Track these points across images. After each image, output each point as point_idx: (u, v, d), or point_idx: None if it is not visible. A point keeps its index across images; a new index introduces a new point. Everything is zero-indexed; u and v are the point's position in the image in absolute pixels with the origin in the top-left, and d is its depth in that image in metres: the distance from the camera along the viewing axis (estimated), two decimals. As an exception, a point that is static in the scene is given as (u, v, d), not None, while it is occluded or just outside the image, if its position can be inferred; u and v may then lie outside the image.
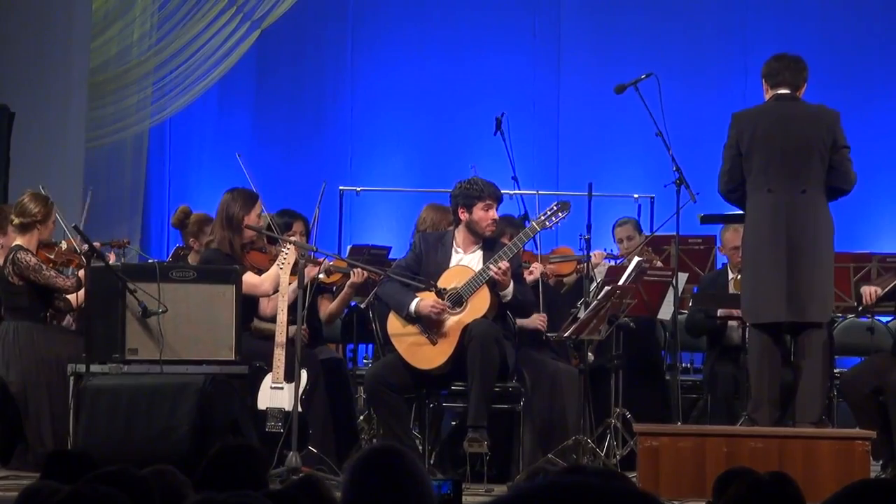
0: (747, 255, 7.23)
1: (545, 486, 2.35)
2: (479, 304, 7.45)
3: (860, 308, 8.05)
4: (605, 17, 11.88)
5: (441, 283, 7.44)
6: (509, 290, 7.47)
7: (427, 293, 7.44)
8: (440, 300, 7.38)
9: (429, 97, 11.86)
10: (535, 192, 8.94)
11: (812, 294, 7.02)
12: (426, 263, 7.57)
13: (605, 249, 8.83)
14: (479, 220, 7.51)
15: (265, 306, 7.80)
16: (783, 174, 7.05)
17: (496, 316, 7.53)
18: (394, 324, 7.54)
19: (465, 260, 7.58)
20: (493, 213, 7.53)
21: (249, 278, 7.62)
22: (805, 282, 7.01)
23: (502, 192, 7.76)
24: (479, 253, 7.59)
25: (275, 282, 7.48)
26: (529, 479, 4.47)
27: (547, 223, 7.59)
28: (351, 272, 7.95)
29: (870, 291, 7.80)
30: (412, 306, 7.41)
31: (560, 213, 7.57)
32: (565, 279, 8.50)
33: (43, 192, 8.00)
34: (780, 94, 7.15)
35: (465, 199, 7.52)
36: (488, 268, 7.41)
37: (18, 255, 7.72)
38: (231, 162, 11.77)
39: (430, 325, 7.43)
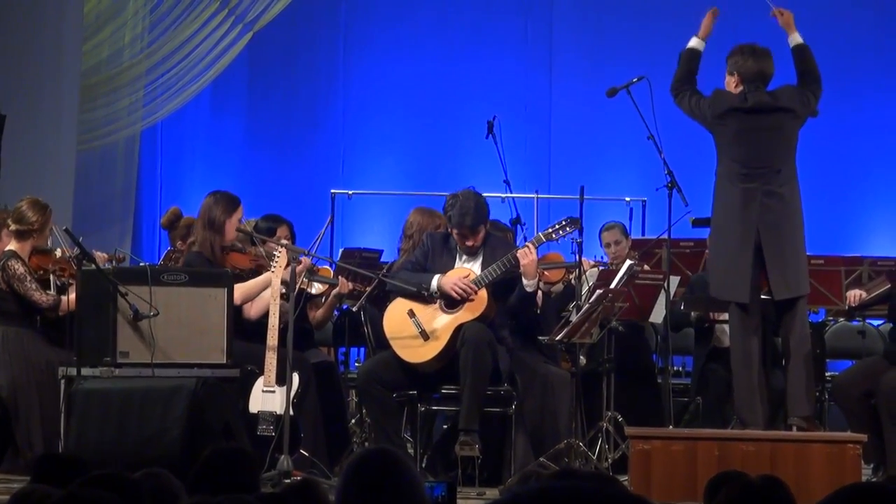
0: (717, 235, 7.31)
1: (539, 490, 2.35)
2: (476, 304, 7.49)
3: (846, 309, 8.11)
4: (598, 19, 11.89)
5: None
6: (533, 283, 7.54)
7: (453, 272, 7.50)
8: (462, 282, 7.42)
9: (421, 100, 11.86)
10: (533, 195, 8.95)
11: (788, 270, 7.11)
12: (432, 263, 7.64)
13: (594, 258, 8.82)
14: (458, 240, 7.60)
15: (248, 309, 7.80)
16: (757, 156, 7.16)
17: (492, 320, 7.55)
18: (390, 315, 7.58)
19: (469, 263, 7.63)
20: (469, 241, 7.57)
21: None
22: (782, 259, 7.11)
23: (495, 194, 7.79)
24: (481, 257, 7.62)
25: (246, 296, 7.57)
26: (521, 483, 4.48)
27: (553, 236, 7.67)
28: (338, 282, 8.02)
29: (855, 295, 7.86)
30: (434, 283, 7.47)
31: (568, 229, 7.65)
32: (553, 289, 8.49)
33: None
34: (751, 87, 7.25)
35: (447, 220, 7.62)
36: (505, 263, 7.45)
37: (9, 263, 7.71)
38: (222, 164, 11.80)
39: (425, 321, 7.47)
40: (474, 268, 7.60)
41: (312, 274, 7.93)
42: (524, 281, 7.53)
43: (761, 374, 7.13)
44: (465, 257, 7.65)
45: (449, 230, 7.69)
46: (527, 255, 7.48)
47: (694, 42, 7.50)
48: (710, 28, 7.53)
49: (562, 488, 2.31)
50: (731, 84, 7.33)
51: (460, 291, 7.46)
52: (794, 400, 7.08)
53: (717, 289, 7.34)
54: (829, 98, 7.44)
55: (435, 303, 7.54)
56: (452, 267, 7.63)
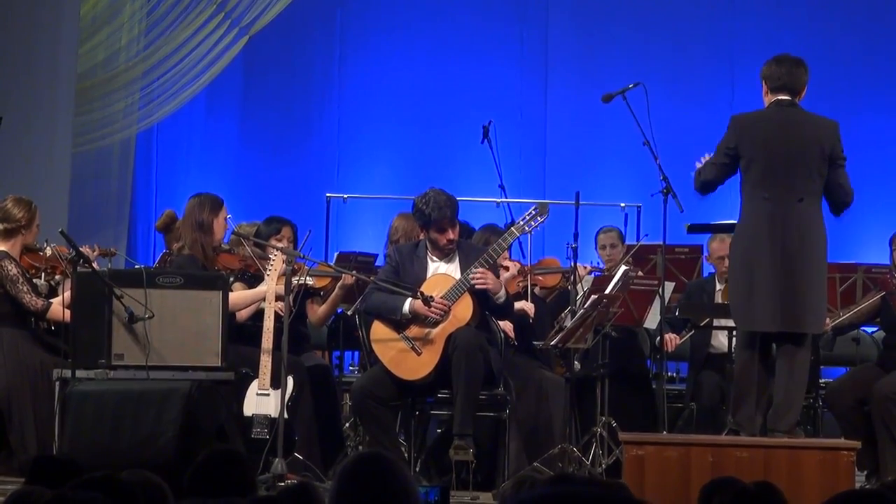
0: (740, 261, 7.00)
1: (543, 497, 2.34)
2: (463, 312, 7.45)
3: (821, 336, 8.20)
4: (593, 25, 11.90)
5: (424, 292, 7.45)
6: (502, 293, 7.48)
7: (432, 282, 7.45)
8: (436, 305, 7.37)
9: (416, 105, 11.87)
10: (525, 200, 8.94)
11: (807, 305, 6.88)
12: (404, 275, 7.56)
13: (590, 263, 8.82)
14: (435, 240, 7.54)
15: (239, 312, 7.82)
16: (781, 182, 6.89)
17: (479, 323, 7.53)
18: (378, 333, 7.53)
19: (443, 268, 7.58)
20: (450, 234, 7.49)
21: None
22: (800, 292, 6.86)
23: (490, 199, 7.76)
24: (456, 260, 7.58)
25: (235, 306, 7.60)
26: (516, 488, 4.47)
27: (526, 228, 7.57)
28: (340, 274, 8.00)
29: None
30: (406, 307, 7.41)
31: (539, 218, 7.54)
32: (549, 299, 8.48)
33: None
34: (781, 100, 6.97)
35: (421, 221, 7.57)
36: (469, 276, 7.40)
37: (2, 263, 7.69)
38: (218, 168, 11.80)
39: (415, 335, 7.43)
40: (450, 271, 7.55)
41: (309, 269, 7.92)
42: (493, 295, 7.46)
43: (762, 381, 7.03)
44: (437, 263, 7.59)
45: (422, 231, 7.62)
46: (481, 281, 7.39)
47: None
48: None
49: (566, 494, 2.30)
50: (763, 93, 7.12)
51: (437, 313, 7.42)
52: (777, 413, 6.98)
53: (744, 320, 7.00)
54: (822, 111, 7.38)
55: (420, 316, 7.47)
56: (425, 275, 7.54)
